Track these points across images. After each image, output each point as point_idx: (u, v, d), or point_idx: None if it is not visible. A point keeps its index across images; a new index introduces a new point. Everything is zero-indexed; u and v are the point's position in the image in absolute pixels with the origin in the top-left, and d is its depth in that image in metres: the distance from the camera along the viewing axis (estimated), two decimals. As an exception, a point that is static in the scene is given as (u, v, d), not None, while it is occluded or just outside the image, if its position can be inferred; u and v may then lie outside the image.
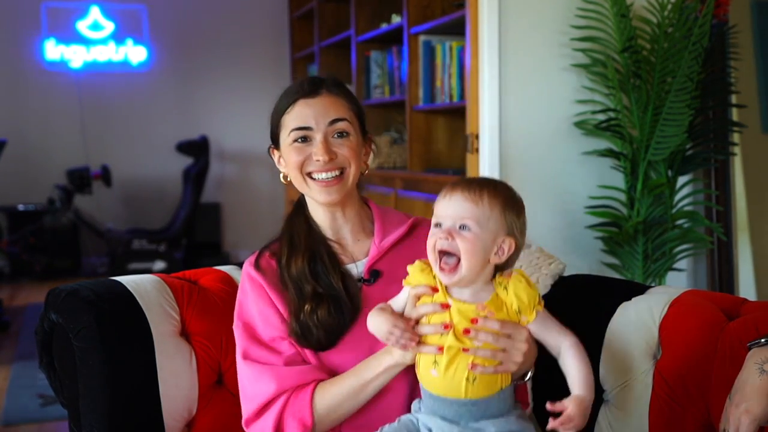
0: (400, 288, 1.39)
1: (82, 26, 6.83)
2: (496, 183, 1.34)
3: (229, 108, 7.14)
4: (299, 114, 1.46)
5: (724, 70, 3.13)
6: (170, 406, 1.63)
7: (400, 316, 1.33)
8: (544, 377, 1.43)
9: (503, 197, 1.31)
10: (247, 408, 1.45)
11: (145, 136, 7.02)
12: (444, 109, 4.00)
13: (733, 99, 3.21)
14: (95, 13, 6.85)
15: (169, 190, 7.06)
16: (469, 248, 1.27)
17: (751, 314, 1.47)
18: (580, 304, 1.73)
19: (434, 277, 1.33)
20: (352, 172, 1.46)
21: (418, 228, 1.54)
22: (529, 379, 1.39)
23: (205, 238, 7.03)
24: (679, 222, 3.01)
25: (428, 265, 1.34)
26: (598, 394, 1.64)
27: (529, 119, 3.07)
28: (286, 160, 1.49)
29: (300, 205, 1.56)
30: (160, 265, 6.34)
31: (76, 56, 6.79)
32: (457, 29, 3.63)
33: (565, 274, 1.88)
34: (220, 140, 7.12)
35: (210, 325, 1.70)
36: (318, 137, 1.45)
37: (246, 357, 1.46)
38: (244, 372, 1.46)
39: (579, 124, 3.06)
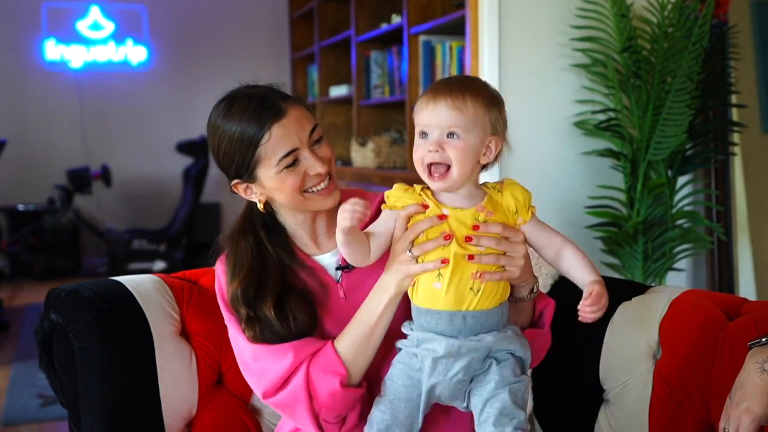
0: (380, 270, 1.37)
1: (82, 26, 6.84)
2: (475, 82, 1.33)
3: (229, 108, 7.14)
4: (279, 139, 1.37)
5: (724, 70, 3.12)
6: (170, 406, 1.63)
7: (389, 241, 1.32)
8: (544, 380, 1.43)
9: (485, 97, 1.30)
10: (263, 382, 1.40)
11: (145, 136, 7.02)
12: (444, 109, 4.00)
13: (733, 99, 3.21)
14: (95, 13, 6.85)
15: (169, 190, 7.06)
16: (460, 156, 1.27)
17: (751, 314, 1.47)
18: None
19: (420, 194, 1.32)
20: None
21: None
22: (536, 293, 1.39)
23: (205, 238, 7.02)
24: (679, 222, 3.01)
25: (408, 186, 1.33)
26: (598, 394, 1.64)
27: (529, 119, 3.07)
28: (274, 188, 1.41)
29: (248, 227, 1.48)
30: (160, 265, 6.34)
31: (76, 56, 6.79)
32: (457, 29, 3.63)
33: (565, 274, 1.88)
34: (220, 140, 7.11)
35: (210, 325, 1.70)
36: (306, 153, 1.40)
37: (251, 339, 1.42)
38: (251, 351, 1.41)
39: (579, 124, 3.06)
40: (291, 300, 1.41)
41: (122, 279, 1.72)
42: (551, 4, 3.04)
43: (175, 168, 6.97)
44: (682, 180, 3.12)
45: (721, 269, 3.20)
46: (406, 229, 1.31)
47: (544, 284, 1.83)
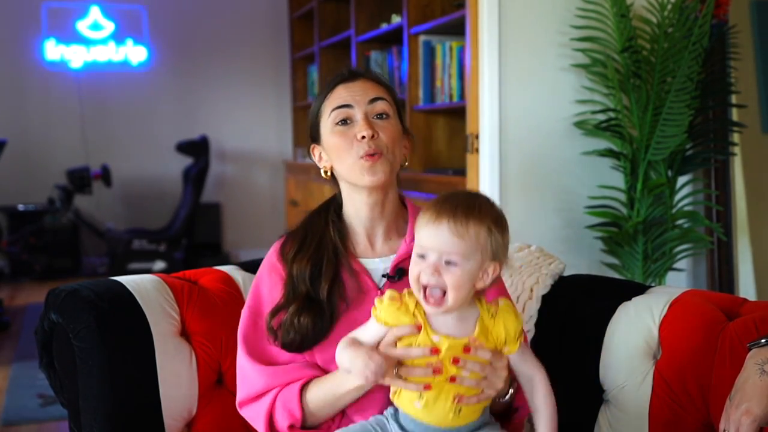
0: None
1: (82, 26, 6.84)
2: (481, 206, 1.29)
3: (229, 108, 7.14)
4: (339, 95, 1.46)
5: (724, 70, 3.12)
6: (170, 406, 1.63)
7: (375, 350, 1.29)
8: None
9: (488, 224, 1.27)
10: (241, 392, 1.48)
11: (145, 136, 7.02)
12: (444, 109, 4.00)
13: (733, 99, 3.21)
14: (95, 13, 6.85)
15: (169, 190, 7.06)
16: (456, 283, 1.24)
17: (751, 314, 1.47)
18: (580, 304, 1.73)
19: (414, 314, 1.28)
20: (391, 159, 1.44)
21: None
22: (510, 396, 1.38)
23: (205, 238, 7.03)
24: (679, 222, 3.01)
25: (400, 300, 1.29)
26: (599, 394, 1.64)
27: (529, 119, 3.07)
28: (330, 147, 1.47)
29: (326, 207, 1.54)
30: (160, 265, 6.35)
31: (76, 56, 6.79)
32: (457, 29, 3.63)
33: (565, 274, 1.88)
34: (220, 140, 7.12)
35: (210, 325, 1.70)
36: (359, 115, 1.44)
37: (245, 343, 1.48)
38: (242, 359, 1.48)
39: (579, 124, 3.06)
40: (334, 289, 1.43)
41: (122, 279, 1.72)
42: (551, 4, 3.04)
43: (175, 168, 6.97)
44: (682, 180, 3.12)
45: (721, 269, 3.20)
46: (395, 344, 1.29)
47: (544, 284, 1.82)
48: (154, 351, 1.62)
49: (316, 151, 1.52)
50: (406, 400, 1.30)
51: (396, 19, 4.40)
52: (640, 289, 1.69)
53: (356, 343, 1.29)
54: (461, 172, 3.43)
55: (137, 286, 1.69)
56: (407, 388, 1.28)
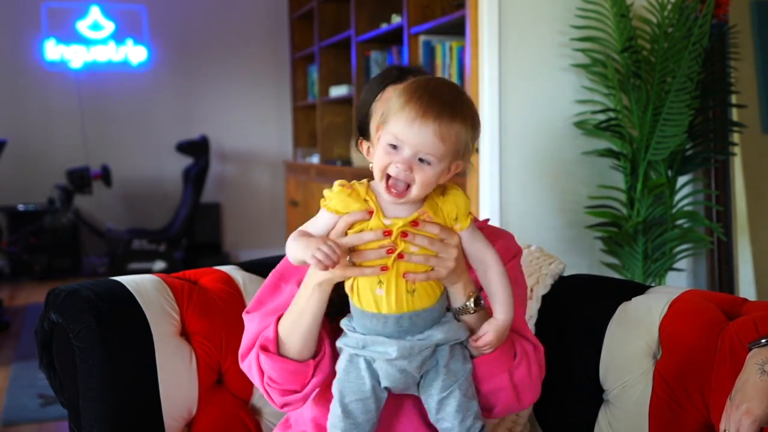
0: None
1: (82, 26, 6.84)
2: (464, 104, 1.26)
3: (229, 108, 7.15)
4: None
5: (724, 70, 3.12)
6: (170, 406, 1.63)
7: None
8: (544, 380, 1.43)
9: (469, 125, 1.26)
10: (242, 345, 1.45)
11: (145, 136, 7.02)
12: (444, 109, 4.00)
13: (733, 99, 3.21)
14: (95, 13, 6.85)
15: (169, 190, 7.06)
16: (425, 181, 1.23)
17: (751, 314, 1.47)
18: (580, 304, 1.73)
19: (366, 199, 1.27)
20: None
21: (484, 231, 1.39)
22: (481, 307, 1.33)
23: (205, 238, 7.04)
24: (679, 222, 3.01)
25: (350, 188, 1.28)
26: (599, 394, 1.64)
27: (529, 119, 3.07)
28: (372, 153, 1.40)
29: None
30: (160, 265, 6.35)
31: (76, 56, 6.79)
32: (457, 29, 3.63)
33: (565, 274, 1.88)
34: (220, 140, 7.12)
35: (210, 325, 1.70)
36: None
37: (257, 300, 1.46)
38: (247, 318, 1.46)
39: (579, 124, 3.06)
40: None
41: (122, 279, 1.72)
42: (551, 4, 3.04)
43: (175, 168, 6.97)
44: (682, 180, 3.12)
45: (721, 269, 3.20)
46: (345, 233, 1.27)
47: (544, 284, 1.83)
48: (154, 351, 1.62)
49: (364, 145, 1.51)
50: (367, 290, 1.28)
51: (396, 19, 4.40)
52: (640, 289, 1.69)
53: (307, 234, 1.28)
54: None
55: (137, 286, 1.69)
56: (364, 274, 1.26)
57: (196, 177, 6.54)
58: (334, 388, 1.33)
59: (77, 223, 6.61)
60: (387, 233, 1.25)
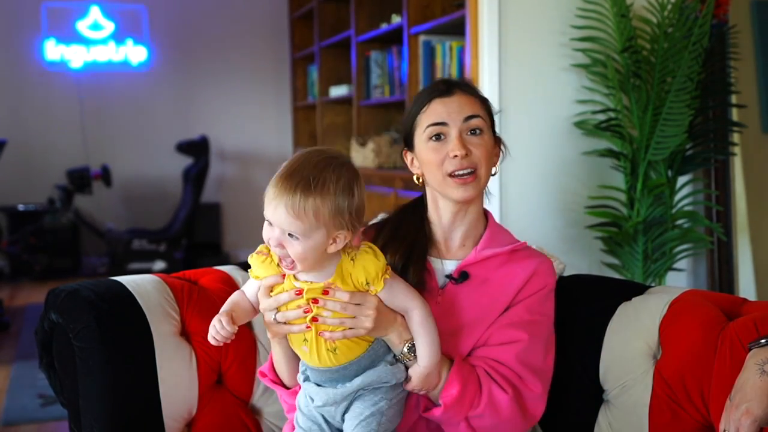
0: (484, 295, 1.47)
1: (82, 26, 6.84)
2: (325, 181, 1.27)
3: (229, 108, 7.15)
4: (434, 111, 1.49)
5: (724, 70, 3.13)
6: (170, 406, 1.63)
7: (253, 307, 1.41)
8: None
9: (330, 201, 1.27)
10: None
11: (145, 136, 7.02)
12: (444, 109, 4.00)
13: (733, 99, 3.21)
14: (95, 13, 6.85)
15: (169, 190, 7.06)
16: (299, 255, 1.28)
17: (751, 314, 1.47)
18: (580, 304, 1.73)
19: (278, 266, 1.34)
20: (483, 174, 1.48)
21: (520, 253, 1.54)
22: (410, 353, 1.38)
23: (205, 238, 7.03)
24: (679, 222, 3.02)
25: (266, 255, 1.37)
26: (599, 394, 1.64)
27: (529, 119, 3.07)
28: (422, 160, 1.51)
29: (414, 206, 1.59)
30: (160, 265, 6.35)
31: (76, 56, 6.79)
32: (457, 29, 3.63)
33: (565, 274, 1.88)
34: (220, 140, 7.12)
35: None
36: (453, 133, 1.47)
37: None
38: None
39: (579, 124, 3.06)
40: (418, 286, 1.45)
41: (122, 279, 1.72)
42: (551, 4, 3.04)
43: (175, 168, 6.97)
44: (682, 180, 3.12)
45: (721, 269, 3.20)
46: (269, 295, 1.37)
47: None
48: (154, 351, 1.62)
49: (408, 156, 1.57)
50: (297, 346, 1.39)
51: (396, 19, 4.40)
52: (640, 289, 1.69)
53: (233, 299, 1.42)
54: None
55: (137, 286, 1.69)
56: (291, 331, 1.36)
57: (196, 177, 6.54)
58: (297, 422, 1.45)
59: (77, 223, 6.61)
60: (299, 293, 1.33)
